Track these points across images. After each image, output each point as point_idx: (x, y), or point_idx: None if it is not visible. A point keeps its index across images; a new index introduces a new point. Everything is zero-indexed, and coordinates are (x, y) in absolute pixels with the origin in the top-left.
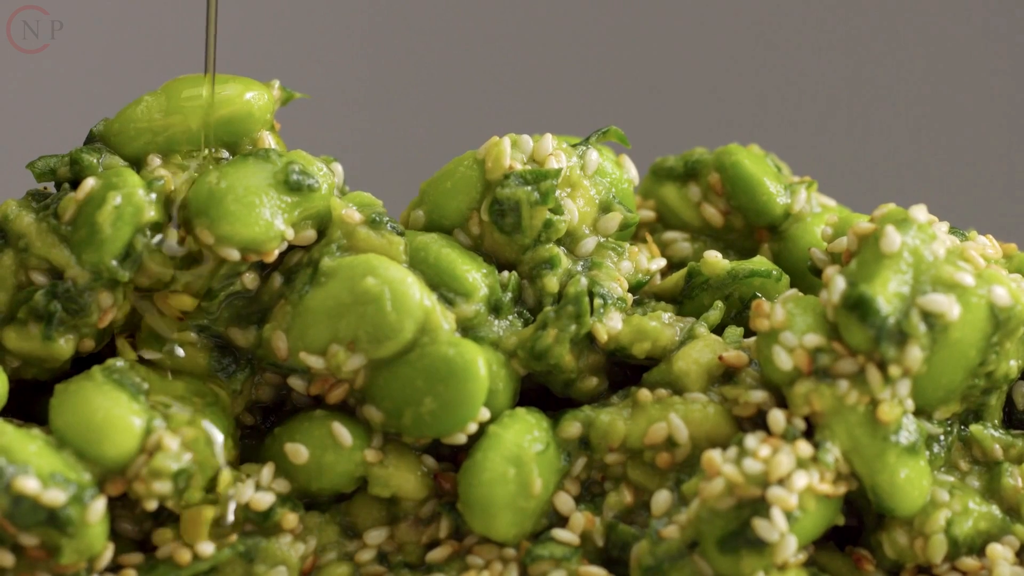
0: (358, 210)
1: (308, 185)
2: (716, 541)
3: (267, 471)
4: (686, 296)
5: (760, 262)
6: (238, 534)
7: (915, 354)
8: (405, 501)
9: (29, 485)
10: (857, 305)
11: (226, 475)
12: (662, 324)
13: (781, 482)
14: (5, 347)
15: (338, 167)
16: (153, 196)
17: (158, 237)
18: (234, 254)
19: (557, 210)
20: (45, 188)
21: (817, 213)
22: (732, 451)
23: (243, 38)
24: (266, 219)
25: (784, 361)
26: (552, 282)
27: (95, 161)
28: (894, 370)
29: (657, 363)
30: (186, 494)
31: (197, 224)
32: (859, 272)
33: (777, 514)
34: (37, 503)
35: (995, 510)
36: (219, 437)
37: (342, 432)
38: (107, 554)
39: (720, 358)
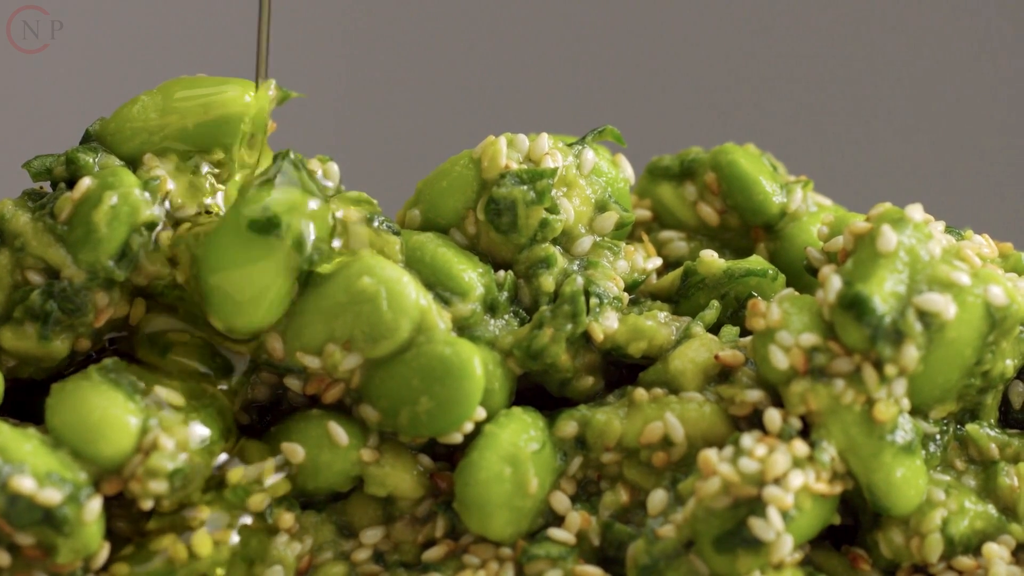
0: (354, 210)
1: (319, 258)
2: (712, 540)
3: None
4: (682, 295)
5: (756, 261)
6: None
7: (911, 353)
8: (401, 500)
9: (25, 484)
10: (853, 304)
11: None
12: (658, 323)
13: (777, 481)
14: (1, 347)
15: (334, 166)
16: (149, 195)
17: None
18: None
19: (553, 209)
20: (41, 187)
21: (813, 212)
22: (728, 450)
23: (240, 38)
24: (274, 304)
25: (780, 360)
26: (548, 281)
27: (91, 161)
28: (890, 369)
29: (653, 362)
30: (183, 495)
31: (208, 312)
32: (855, 271)
33: (773, 513)
34: (33, 502)
35: (991, 509)
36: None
37: (338, 431)
38: (103, 553)
39: (716, 357)
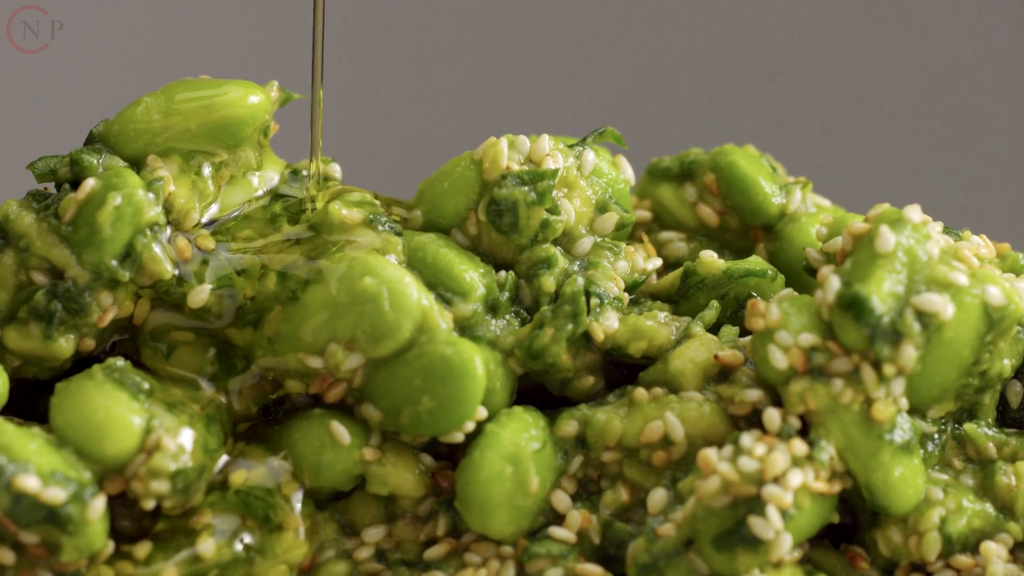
0: (357, 211)
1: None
2: (712, 539)
3: None
4: (682, 296)
5: (755, 262)
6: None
7: (909, 353)
8: (403, 499)
9: (29, 483)
10: (852, 304)
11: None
12: (658, 323)
13: (776, 480)
14: (6, 346)
15: (336, 167)
16: (152, 196)
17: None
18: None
19: (554, 210)
20: (46, 188)
21: (812, 213)
22: (728, 449)
23: (241, 38)
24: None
25: (779, 360)
26: (549, 282)
27: (95, 162)
28: (888, 369)
29: (653, 362)
30: (185, 497)
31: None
32: (854, 272)
33: (772, 512)
34: (37, 501)
35: (989, 508)
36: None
37: (340, 431)
38: (107, 552)
39: (716, 357)
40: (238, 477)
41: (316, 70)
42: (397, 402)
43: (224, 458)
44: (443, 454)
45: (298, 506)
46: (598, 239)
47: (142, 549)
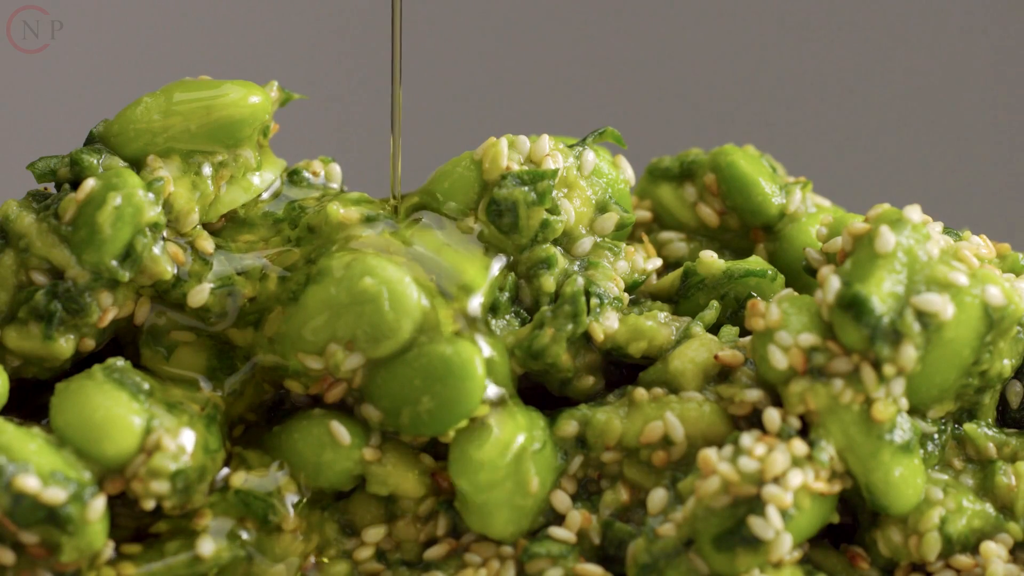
0: (356, 210)
1: None
2: (712, 539)
3: None
4: (682, 296)
5: (755, 262)
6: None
7: (909, 353)
8: (403, 499)
9: (29, 483)
10: (852, 304)
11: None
12: (658, 323)
13: (776, 480)
14: (6, 346)
15: (336, 167)
16: (152, 196)
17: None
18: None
19: (554, 210)
20: (46, 188)
21: (812, 213)
22: (728, 449)
23: (242, 39)
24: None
25: (779, 360)
26: (549, 282)
27: (95, 162)
28: (888, 369)
29: (653, 362)
30: (186, 498)
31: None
32: (854, 272)
33: (772, 512)
34: (37, 501)
35: (989, 508)
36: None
37: (340, 431)
38: (107, 552)
39: (716, 357)
40: (238, 478)
41: (395, 76)
42: (397, 402)
43: (225, 470)
44: (443, 454)
45: (293, 506)
46: (598, 239)
47: (142, 549)
